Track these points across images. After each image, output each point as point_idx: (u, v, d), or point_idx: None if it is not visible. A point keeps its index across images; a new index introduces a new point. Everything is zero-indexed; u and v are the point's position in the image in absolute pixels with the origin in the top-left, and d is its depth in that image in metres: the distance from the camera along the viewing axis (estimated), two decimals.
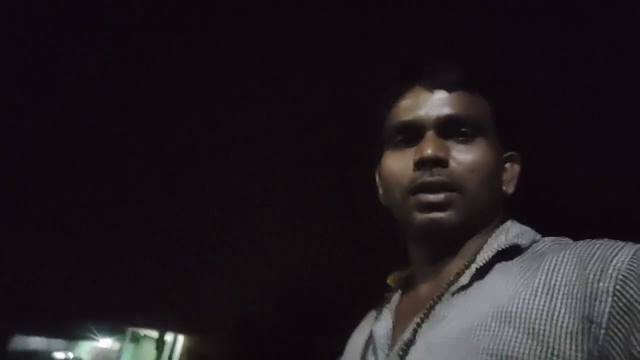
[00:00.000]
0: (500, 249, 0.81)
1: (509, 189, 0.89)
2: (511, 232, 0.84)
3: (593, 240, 0.76)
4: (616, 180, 1.03)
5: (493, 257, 0.81)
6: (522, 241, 0.82)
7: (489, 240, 0.84)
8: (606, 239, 0.75)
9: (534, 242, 0.83)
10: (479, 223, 0.85)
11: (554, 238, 0.83)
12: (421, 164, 0.82)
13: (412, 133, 0.85)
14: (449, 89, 0.85)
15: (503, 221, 0.89)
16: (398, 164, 0.85)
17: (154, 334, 11.76)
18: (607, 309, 0.68)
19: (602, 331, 0.67)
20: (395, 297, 0.92)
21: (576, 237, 0.81)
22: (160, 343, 11.36)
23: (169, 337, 11.53)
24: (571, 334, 0.68)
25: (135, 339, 12.49)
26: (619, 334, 0.67)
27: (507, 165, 0.90)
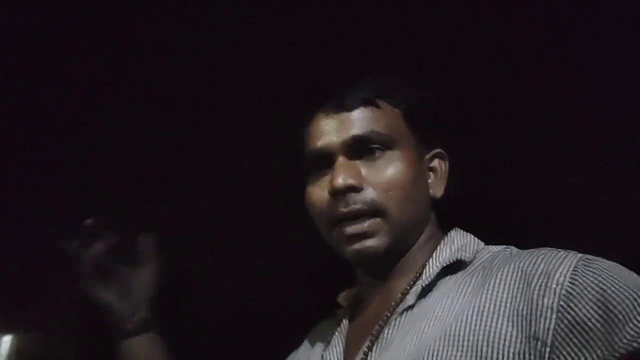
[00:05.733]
0: (444, 265, 0.81)
1: (438, 191, 0.88)
2: (455, 244, 0.85)
3: (536, 252, 0.76)
4: (560, 180, 1.03)
5: (437, 274, 0.81)
6: (466, 255, 0.82)
7: (433, 254, 0.84)
8: (549, 249, 0.75)
9: (478, 252, 0.83)
10: (410, 237, 0.85)
11: (499, 249, 0.84)
12: (334, 194, 0.82)
13: (324, 161, 0.85)
14: (351, 108, 0.84)
15: (442, 227, 0.89)
16: (317, 194, 0.85)
17: None
18: (551, 326, 0.67)
19: (547, 349, 0.67)
20: (345, 319, 0.90)
21: (520, 240, 0.82)
22: None
23: None
24: (518, 353, 0.68)
25: None
26: (565, 353, 0.67)
27: (434, 164, 0.89)
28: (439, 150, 0.90)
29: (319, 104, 0.87)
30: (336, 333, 0.89)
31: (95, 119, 1.30)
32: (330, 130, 0.84)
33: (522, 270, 0.73)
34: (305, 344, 0.98)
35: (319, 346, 0.92)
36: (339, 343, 0.87)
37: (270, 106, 1.21)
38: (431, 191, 0.88)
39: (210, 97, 1.26)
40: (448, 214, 0.91)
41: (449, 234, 0.88)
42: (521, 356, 0.68)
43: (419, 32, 1.14)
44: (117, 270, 1.04)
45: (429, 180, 0.88)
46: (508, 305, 0.71)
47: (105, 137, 1.29)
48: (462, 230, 0.89)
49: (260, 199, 1.24)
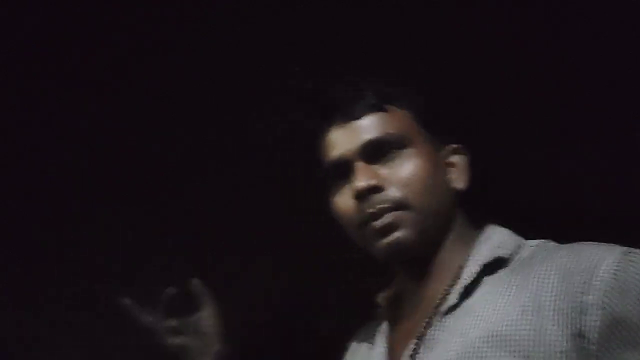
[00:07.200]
0: (485, 263, 0.81)
1: (459, 184, 0.88)
2: (493, 241, 0.84)
3: (577, 247, 0.76)
4: (586, 171, 1.02)
5: (479, 272, 0.81)
6: (505, 252, 0.82)
7: (472, 251, 0.84)
8: (589, 244, 0.75)
9: (518, 247, 0.83)
10: (438, 230, 0.86)
11: (538, 242, 0.83)
12: (358, 197, 0.83)
13: (343, 169, 0.87)
14: (360, 116, 0.86)
15: (475, 224, 0.88)
16: (342, 202, 0.87)
17: None
18: (597, 323, 0.67)
19: (594, 347, 0.67)
20: (385, 321, 0.91)
21: (558, 236, 0.81)
22: None
23: None
24: (565, 352, 0.68)
25: None
26: (611, 350, 0.67)
27: (452, 159, 0.90)
28: (455, 145, 0.91)
29: (327, 120, 0.89)
30: (379, 335, 0.90)
31: (95, 119, 1.30)
32: (344, 139, 0.87)
33: (563, 267, 0.73)
34: (353, 345, 0.99)
35: (365, 348, 0.93)
36: (381, 345, 0.88)
37: (270, 106, 1.21)
38: (453, 184, 0.88)
39: (211, 97, 1.26)
40: (480, 211, 0.89)
41: (485, 230, 0.87)
42: (568, 355, 0.68)
43: (420, 31, 1.14)
44: (183, 318, 1.07)
45: (449, 175, 0.88)
46: (551, 303, 0.71)
47: (105, 137, 1.29)
48: (498, 227, 0.88)
49: (261, 199, 1.24)
